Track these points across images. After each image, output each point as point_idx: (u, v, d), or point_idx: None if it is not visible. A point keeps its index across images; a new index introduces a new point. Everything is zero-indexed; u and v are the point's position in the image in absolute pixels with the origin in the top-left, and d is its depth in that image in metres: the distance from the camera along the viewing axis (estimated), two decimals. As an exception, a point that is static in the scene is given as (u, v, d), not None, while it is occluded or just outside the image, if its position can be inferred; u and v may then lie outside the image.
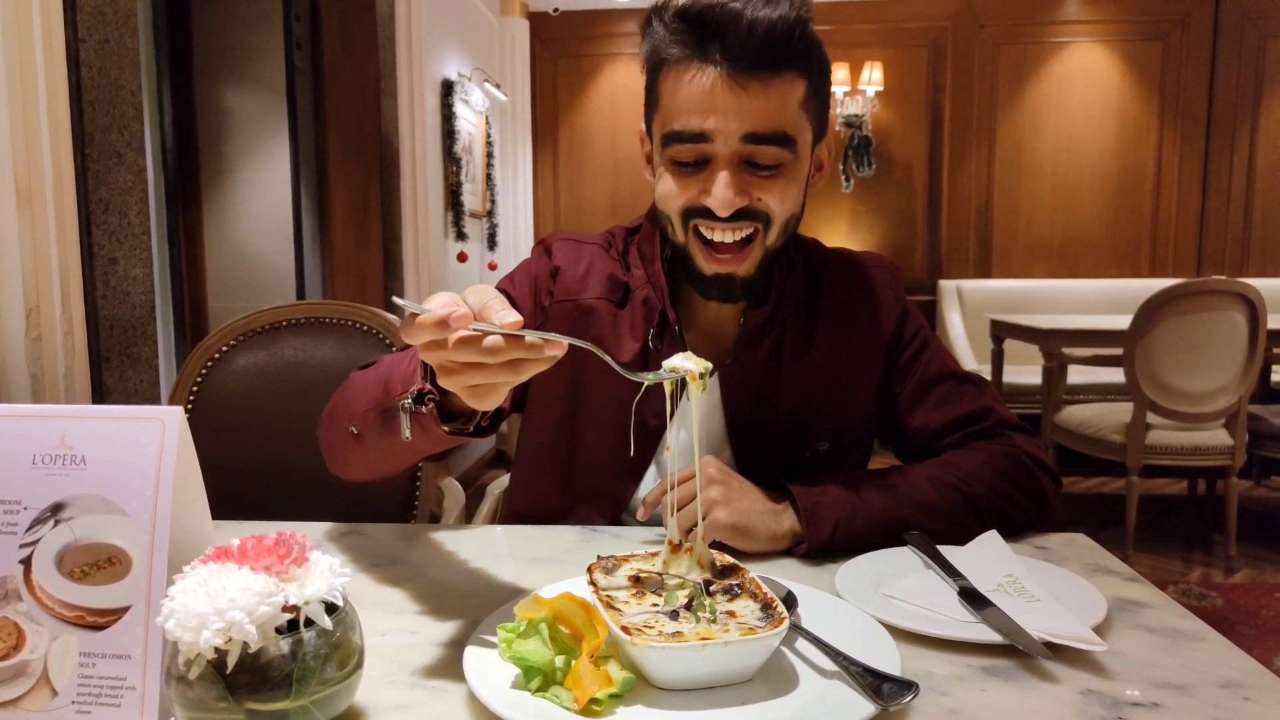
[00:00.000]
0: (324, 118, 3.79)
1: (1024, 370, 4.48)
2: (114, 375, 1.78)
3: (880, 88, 5.31)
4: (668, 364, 0.77)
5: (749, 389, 1.07)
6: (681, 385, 0.77)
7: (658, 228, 1.08)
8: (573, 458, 1.10)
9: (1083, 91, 5.30)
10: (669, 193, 1.00)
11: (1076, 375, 4.14)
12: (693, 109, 0.94)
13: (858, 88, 5.31)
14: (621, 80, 5.50)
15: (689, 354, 0.77)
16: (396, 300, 0.67)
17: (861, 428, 1.13)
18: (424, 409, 0.80)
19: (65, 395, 1.64)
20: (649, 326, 1.07)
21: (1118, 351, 3.28)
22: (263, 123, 3.85)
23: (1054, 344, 3.61)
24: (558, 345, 0.66)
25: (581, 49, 5.57)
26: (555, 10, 5.46)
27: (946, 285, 5.34)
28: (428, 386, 0.80)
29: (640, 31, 1.01)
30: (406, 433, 0.81)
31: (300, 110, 3.91)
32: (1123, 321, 3.31)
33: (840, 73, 5.24)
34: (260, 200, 3.88)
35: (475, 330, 0.64)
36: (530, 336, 0.65)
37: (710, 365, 0.77)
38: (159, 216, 3.73)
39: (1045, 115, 5.34)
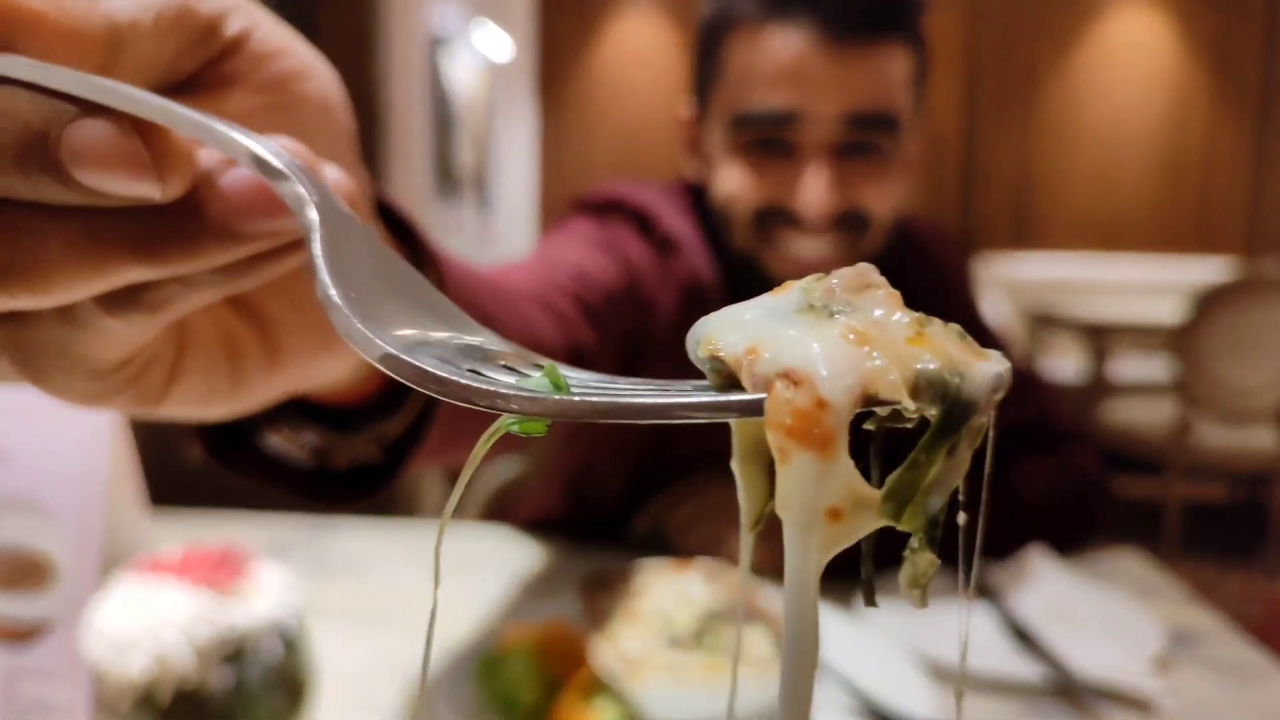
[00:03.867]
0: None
1: (1058, 361, 4.42)
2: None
3: (912, 49, 5.21)
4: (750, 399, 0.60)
5: None
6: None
7: (695, 206, 0.94)
8: (643, 449, 0.97)
9: (1129, 59, 5.20)
10: (739, 190, 0.83)
11: (1115, 367, 4.08)
12: (776, 82, 0.79)
13: (887, 49, 5.22)
14: (634, 34, 5.40)
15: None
16: None
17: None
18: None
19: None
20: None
21: (1161, 343, 3.24)
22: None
23: (1101, 342, 3.57)
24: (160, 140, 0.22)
25: (589, -1, 5.47)
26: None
27: (978, 261, 5.28)
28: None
29: None
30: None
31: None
32: (1168, 309, 3.25)
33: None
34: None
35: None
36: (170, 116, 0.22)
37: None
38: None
39: (1089, 83, 5.24)
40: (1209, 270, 3.99)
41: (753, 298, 0.21)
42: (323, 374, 0.35)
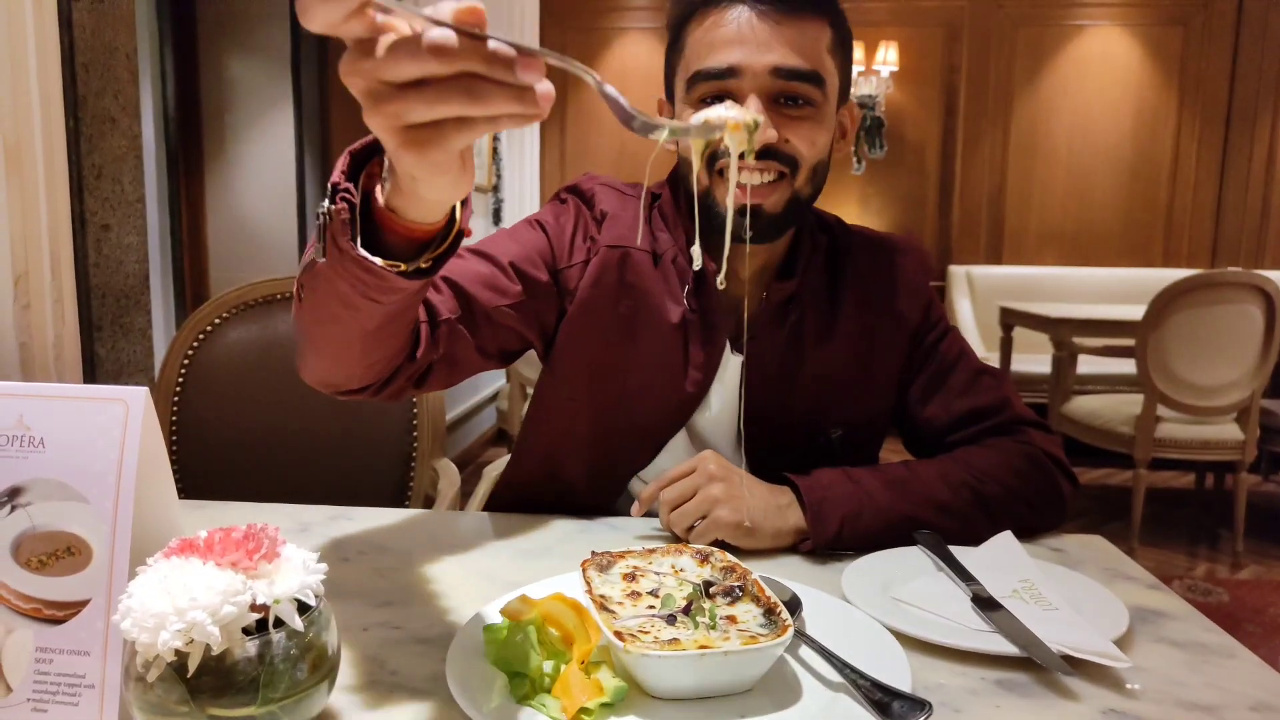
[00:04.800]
0: (328, 87, 3.73)
1: (1033, 359, 4.43)
2: (105, 345, 1.74)
3: (895, 68, 5.21)
4: (699, 117, 0.64)
5: (765, 369, 1.02)
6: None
7: (681, 192, 1.05)
8: (602, 416, 1.04)
9: (1100, 76, 5.20)
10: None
11: (1085, 365, 4.08)
12: (722, 46, 0.92)
13: (872, 68, 5.21)
14: (631, 56, 5.41)
15: (730, 103, 0.76)
16: None
17: (877, 417, 1.09)
18: (335, 207, 0.61)
19: (55, 365, 1.60)
20: (684, 285, 1.02)
21: (1129, 342, 3.23)
22: (267, 91, 3.79)
23: (1065, 333, 3.55)
24: (535, 64, 0.46)
25: (592, 22, 5.47)
26: (566, -18, 5.36)
27: (956, 271, 5.27)
28: (343, 180, 0.61)
29: None
30: (321, 254, 0.63)
31: (304, 78, 3.85)
32: (1135, 312, 3.25)
33: (855, 52, 5.14)
34: (263, 169, 3.83)
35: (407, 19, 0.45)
36: (496, 43, 0.44)
37: (760, 118, 0.68)
38: (159, 184, 3.69)
39: (1062, 100, 5.24)
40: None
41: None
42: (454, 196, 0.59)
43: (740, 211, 0.92)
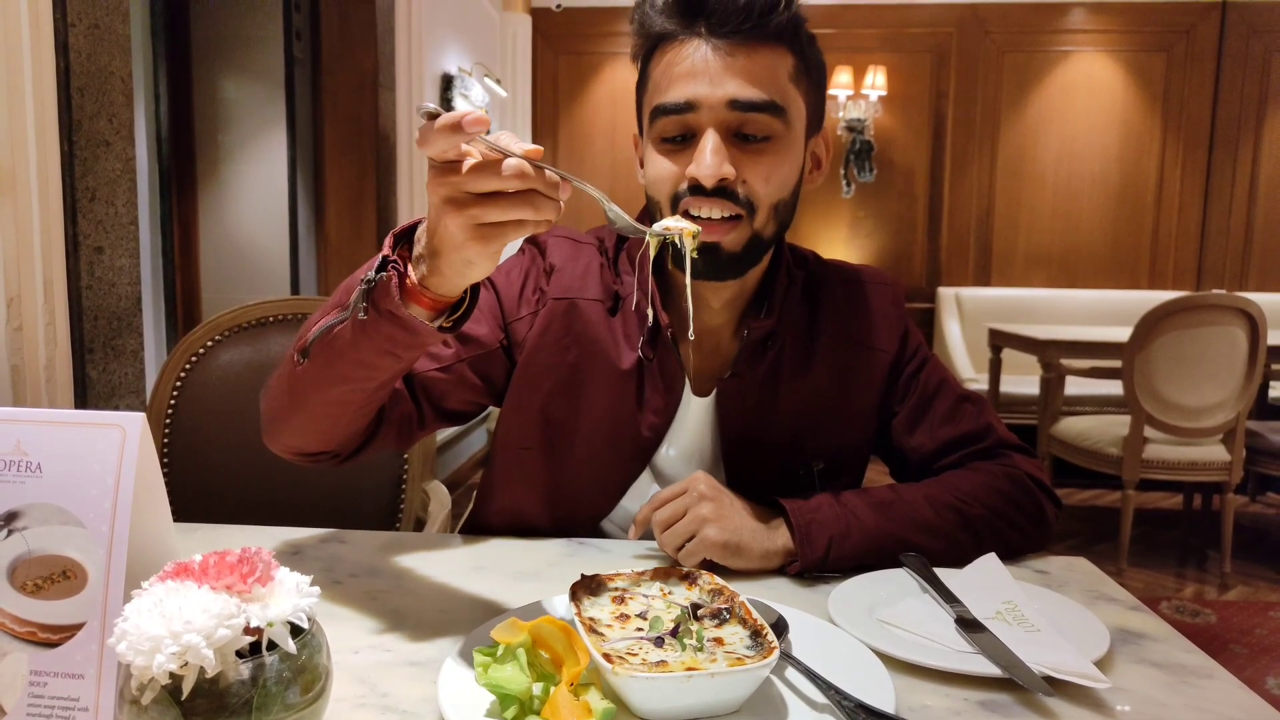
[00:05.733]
0: (322, 109, 3.75)
1: (1022, 380, 4.46)
2: (97, 368, 1.75)
3: (884, 93, 5.27)
4: (658, 225, 0.79)
5: (746, 404, 1.03)
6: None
7: (603, 248, 1.08)
8: (558, 464, 1.05)
9: (1086, 101, 5.28)
10: (657, 175, 0.96)
11: (1074, 387, 4.12)
12: (679, 79, 0.93)
13: (860, 92, 5.28)
14: (623, 80, 5.46)
15: (678, 217, 0.81)
16: (422, 106, 0.62)
17: (858, 448, 1.10)
18: (384, 276, 0.73)
19: (46, 387, 1.61)
20: (641, 335, 1.04)
21: (1116, 364, 3.26)
22: (261, 113, 3.81)
23: (1052, 355, 3.58)
24: (567, 187, 0.65)
25: (584, 46, 5.53)
26: (558, 6, 5.42)
27: (945, 293, 5.32)
28: (393, 255, 0.74)
29: (631, 23, 0.98)
30: (363, 313, 0.73)
31: (298, 101, 3.87)
32: (1122, 334, 3.28)
33: (843, 76, 5.20)
34: (256, 191, 3.84)
35: (490, 150, 0.63)
36: (550, 172, 0.64)
37: (699, 229, 0.81)
38: (151, 205, 3.70)
39: (1048, 124, 5.31)
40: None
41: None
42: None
43: (699, 251, 0.92)
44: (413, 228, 0.76)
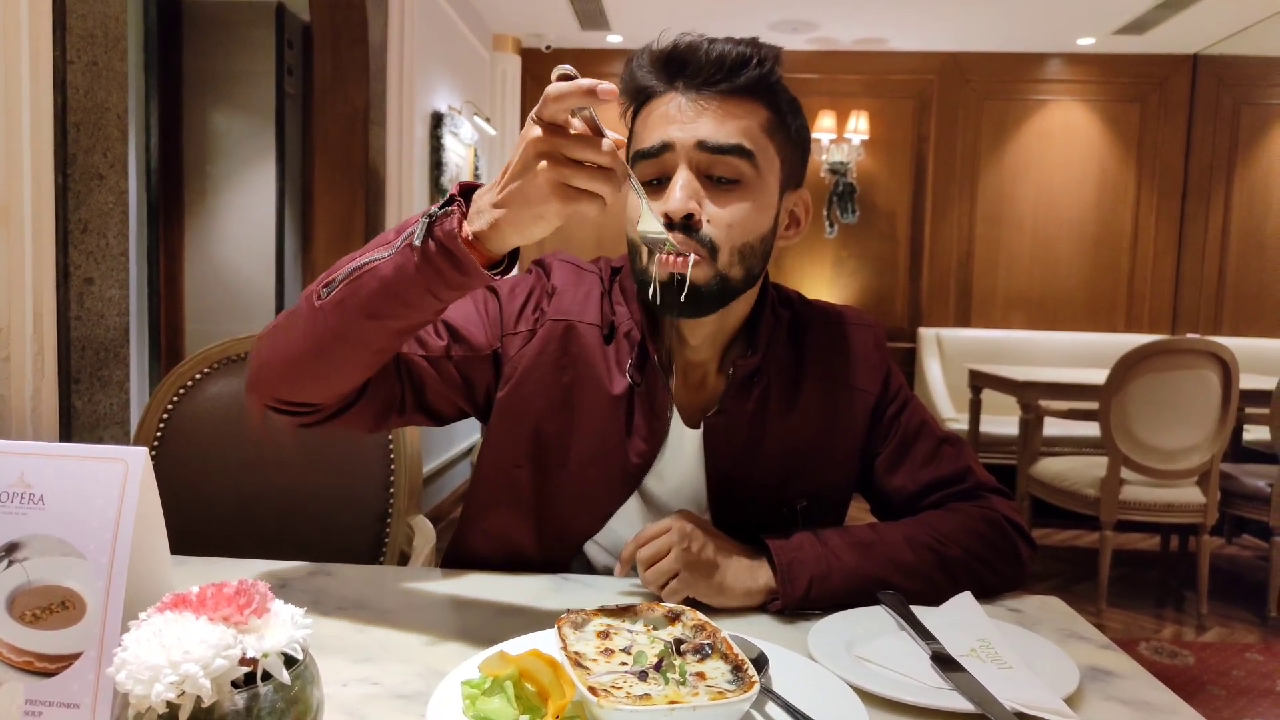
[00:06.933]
0: (312, 144, 3.79)
1: (1001, 421, 4.51)
2: (83, 398, 1.76)
3: (866, 136, 5.39)
4: (652, 229, 0.87)
5: (733, 441, 1.06)
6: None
7: (604, 274, 1.12)
8: (548, 484, 1.07)
9: (1063, 149, 5.41)
10: (634, 215, 0.99)
11: (1053, 428, 4.17)
12: (655, 126, 0.99)
13: (844, 135, 5.39)
14: (611, 120, 5.54)
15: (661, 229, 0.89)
16: (559, 68, 0.72)
17: (841, 487, 1.13)
18: (450, 210, 0.80)
19: (32, 417, 1.61)
20: (630, 361, 1.06)
21: (1093, 406, 3.31)
22: (250, 145, 3.85)
23: (1031, 396, 3.64)
24: (627, 183, 0.76)
25: (572, 86, 5.61)
26: (548, 48, 5.52)
27: (926, 333, 5.39)
28: (459, 195, 0.81)
29: (621, 82, 1.02)
30: (418, 238, 0.79)
31: (288, 135, 3.91)
32: (1099, 376, 3.34)
33: (827, 120, 5.31)
34: (244, 222, 3.87)
35: (591, 127, 0.73)
36: (622, 159, 0.75)
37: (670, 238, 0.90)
38: (139, 235, 3.71)
39: (1026, 170, 5.44)
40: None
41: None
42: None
43: (665, 285, 0.96)
44: (474, 187, 0.82)
